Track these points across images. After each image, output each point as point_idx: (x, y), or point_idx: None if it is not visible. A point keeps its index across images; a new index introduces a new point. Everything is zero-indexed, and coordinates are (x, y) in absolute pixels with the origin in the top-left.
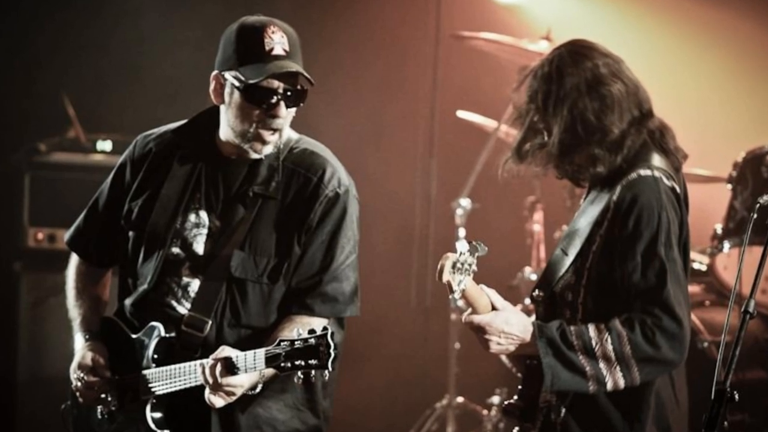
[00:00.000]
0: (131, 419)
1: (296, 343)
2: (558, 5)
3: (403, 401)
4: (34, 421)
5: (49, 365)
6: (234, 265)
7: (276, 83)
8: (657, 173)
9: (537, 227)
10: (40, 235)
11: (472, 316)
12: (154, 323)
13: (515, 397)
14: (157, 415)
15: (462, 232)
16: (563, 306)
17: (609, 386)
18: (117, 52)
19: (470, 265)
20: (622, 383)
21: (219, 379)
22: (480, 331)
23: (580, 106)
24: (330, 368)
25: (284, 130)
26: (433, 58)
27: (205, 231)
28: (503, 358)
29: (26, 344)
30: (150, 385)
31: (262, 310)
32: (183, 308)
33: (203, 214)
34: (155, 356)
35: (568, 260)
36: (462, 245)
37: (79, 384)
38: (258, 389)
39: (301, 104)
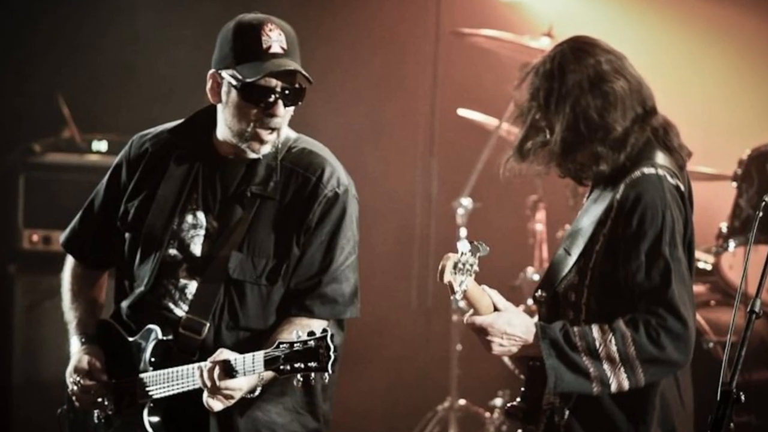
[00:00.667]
0: (128, 423)
1: (295, 345)
2: (560, 1)
3: (404, 404)
4: (29, 426)
5: (45, 369)
6: (232, 266)
7: (274, 82)
8: (661, 171)
9: (539, 227)
10: (35, 237)
11: (473, 317)
12: (151, 326)
13: (518, 399)
14: (155, 419)
15: (463, 231)
16: (566, 306)
17: (613, 388)
18: (112, 51)
19: (472, 265)
20: (626, 384)
21: (217, 383)
22: (482, 332)
23: (583, 104)
24: (330, 371)
25: (282, 130)
26: (433, 56)
27: (202, 232)
28: (506, 359)
29: (21, 348)
30: (147, 389)
31: (260, 312)
32: (180, 310)
33: (200, 215)
34: (152, 359)
35: (571, 260)
36: (463, 245)
37: (75, 388)
38: (257, 392)
39: (300, 103)
